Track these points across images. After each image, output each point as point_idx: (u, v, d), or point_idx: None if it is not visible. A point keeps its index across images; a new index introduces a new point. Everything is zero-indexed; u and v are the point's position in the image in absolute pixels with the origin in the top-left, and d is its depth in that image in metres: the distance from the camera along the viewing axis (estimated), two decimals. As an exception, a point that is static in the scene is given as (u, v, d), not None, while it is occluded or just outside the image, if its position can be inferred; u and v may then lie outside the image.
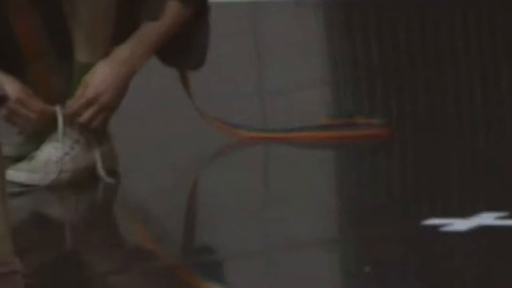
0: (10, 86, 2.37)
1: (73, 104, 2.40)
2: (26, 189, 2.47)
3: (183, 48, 2.62)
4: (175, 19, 2.55)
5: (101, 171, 2.38)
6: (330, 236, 2.44)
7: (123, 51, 2.45)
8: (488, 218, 2.25)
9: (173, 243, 2.50)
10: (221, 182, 2.79)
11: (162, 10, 2.51)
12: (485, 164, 3.11)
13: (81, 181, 2.51)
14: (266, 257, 2.38)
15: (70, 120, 2.40)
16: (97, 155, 2.40)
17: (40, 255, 2.43)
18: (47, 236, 2.60)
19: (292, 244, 2.31)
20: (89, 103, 2.39)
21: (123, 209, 2.72)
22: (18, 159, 2.46)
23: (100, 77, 2.40)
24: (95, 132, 2.41)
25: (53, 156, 2.41)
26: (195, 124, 3.01)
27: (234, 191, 2.73)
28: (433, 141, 3.19)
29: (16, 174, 2.40)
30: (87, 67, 2.39)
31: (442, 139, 3.27)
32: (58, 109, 2.41)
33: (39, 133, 2.47)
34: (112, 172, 2.52)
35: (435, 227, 2.14)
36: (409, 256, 2.06)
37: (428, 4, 6.29)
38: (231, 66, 4.04)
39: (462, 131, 3.69)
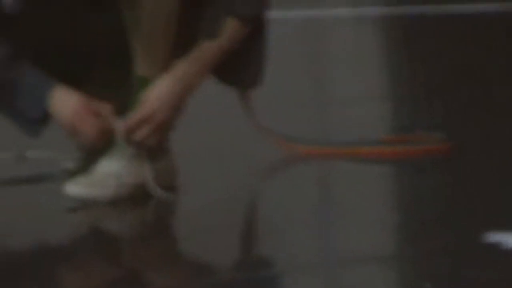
0: (68, 100, 2.44)
1: (129, 120, 2.41)
2: (84, 203, 2.52)
3: (240, 66, 2.61)
4: (233, 37, 2.52)
5: (152, 187, 2.34)
6: (390, 251, 2.36)
7: (180, 68, 2.44)
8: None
9: (232, 257, 2.45)
10: (279, 196, 2.78)
11: (220, 28, 2.49)
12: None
13: (139, 195, 2.50)
14: (325, 272, 2.34)
15: (126, 136, 2.43)
16: (147, 171, 2.37)
17: (98, 270, 2.53)
18: (104, 252, 2.68)
19: (352, 258, 2.26)
20: (144, 121, 2.41)
21: (180, 224, 2.66)
22: (76, 173, 2.47)
23: (156, 94, 2.42)
24: (149, 149, 2.42)
25: (111, 171, 2.41)
26: (253, 138, 3.08)
27: (292, 204, 2.69)
28: (493, 156, 3.13)
29: (75, 188, 2.34)
30: (146, 81, 2.41)
31: (503, 154, 3.19)
32: (116, 124, 2.47)
33: (98, 147, 2.50)
34: (170, 187, 2.47)
35: (495, 243, 2.06)
36: (468, 272, 2.04)
37: (489, 19, 6.58)
38: (290, 80, 4.03)
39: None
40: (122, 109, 2.44)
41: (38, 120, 2.41)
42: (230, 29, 2.47)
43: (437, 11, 7.15)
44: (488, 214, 2.42)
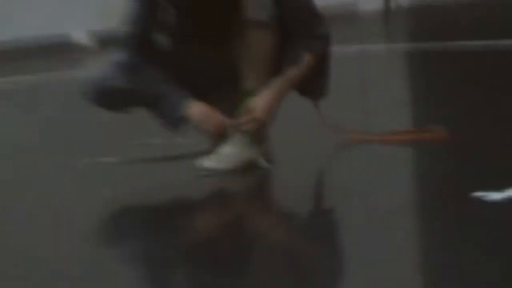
0: (198, 107, 3.48)
1: (241, 118, 3.42)
2: (214, 172, 3.50)
3: (312, 83, 3.57)
4: (308, 65, 3.46)
5: (262, 162, 3.40)
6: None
7: (275, 85, 3.42)
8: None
9: (311, 207, 3.47)
10: (345, 167, 3.87)
11: (301, 59, 3.46)
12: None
13: (249, 168, 3.47)
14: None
15: (239, 129, 3.45)
16: (256, 152, 3.42)
17: (222, 217, 3.41)
18: (226, 204, 3.62)
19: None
20: (252, 120, 3.42)
21: (278, 187, 3.76)
22: (208, 153, 3.48)
23: (260, 101, 3.40)
24: (256, 137, 3.45)
25: (230, 152, 3.45)
26: (322, 132, 3.96)
27: (358, 172, 3.75)
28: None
29: (208, 163, 3.43)
30: (252, 92, 3.41)
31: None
32: (230, 121, 3.47)
33: (221, 137, 3.48)
34: (269, 162, 3.53)
35: (478, 198, 2.96)
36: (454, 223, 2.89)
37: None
38: (336, 106, 4.67)
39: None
40: (231, 112, 3.48)
41: (178, 121, 3.51)
42: (307, 60, 3.44)
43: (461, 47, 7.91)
44: (475, 177, 3.38)
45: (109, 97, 3.73)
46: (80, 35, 10.20)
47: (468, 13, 10.48)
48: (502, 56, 7.51)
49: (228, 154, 3.55)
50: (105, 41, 9.38)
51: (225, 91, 3.68)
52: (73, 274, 2.67)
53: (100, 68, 4.40)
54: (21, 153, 5.05)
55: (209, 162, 3.53)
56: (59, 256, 2.91)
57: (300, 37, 3.60)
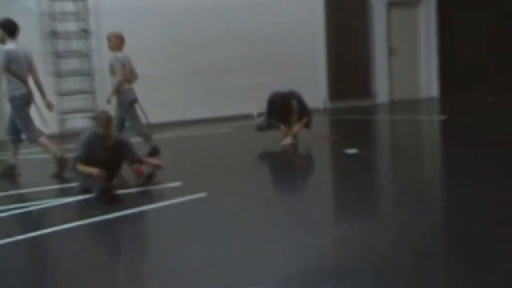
0: (283, 127, 11.94)
1: (292, 133, 11.85)
2: (285, 145, 11.52)
3: (307, 125, 12.06)
4: (306, 121, 12.10)
5: (295, 143, 12.28)
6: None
7: (298, 124, 11.98)
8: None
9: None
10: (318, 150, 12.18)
11: (305, 120, 11.96)
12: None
13: (292, 144, 11.73)
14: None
15: (292, 134, 11.81)
16: (293, 141, 12.00)
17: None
18: (284, 163, 11.30)
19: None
20: (295, 133, 11.89)
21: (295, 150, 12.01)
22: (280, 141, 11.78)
23: (295, 128, 11.89)
24: (296, 138, 11.77)
25: (289, 139, 11.83)
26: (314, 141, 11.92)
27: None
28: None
29: (284, 141, 11.63)
30: (292, 125, 11.91)
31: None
32: (289, 132, 11.82)
33: (285, 135, 11.81)
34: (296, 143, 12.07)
35: (346, 152, 11.24)
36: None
37: None
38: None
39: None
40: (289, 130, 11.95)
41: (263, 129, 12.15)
42: (306, 119, 12.18)
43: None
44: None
45: None
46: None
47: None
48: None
49: (288, 140, 11.86)
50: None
51: (289, 124, 12.01)
52: None
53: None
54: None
55: (284, 142, 11.86)
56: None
57: (304, 115, 12.08)
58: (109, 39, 10.86)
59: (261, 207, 7.52)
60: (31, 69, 10.10)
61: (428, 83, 19.28)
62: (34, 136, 10.07)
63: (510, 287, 4.47)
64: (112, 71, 10.63)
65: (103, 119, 8.58)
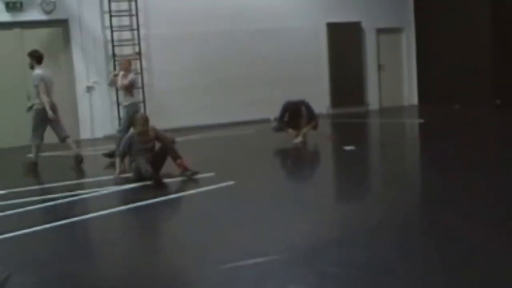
0: (291, 130, 12.12)
1: (301, 133, 12.04)
2: (297, 143, 11.57)
3: (315, 127, 12.20)
4: (313, 123, 12.34)
5: (304, 141, 12.52)
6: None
7: (306, 127, 11.95)
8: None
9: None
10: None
11: (313, 122, 12.14)
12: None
13: (303, 142, 11.68)
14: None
15: (302, 134, 12.15)
16: (303, 139, 12.48)
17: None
18: (310, 155, 11.61)
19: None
20: (302, 133, 12.07)
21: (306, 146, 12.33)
22: (294, 140, 12.11)
23: (304, 130, 11.87)
24: (304, 136, 12.16)
25: (299, 139, 11.73)
26: (321, 140, 12.61)
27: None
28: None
29: (295, 140, 11.67)
30: (302, 128, 12.15)
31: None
32: (299, 133, 12.37)
33: (297, 136, 12.11)
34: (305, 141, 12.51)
35: (345, 149, 11.83)
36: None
37: None
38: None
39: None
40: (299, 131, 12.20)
41: (278, 130, 12.50)
42: (314, 122, 12.23)
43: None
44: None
45: None
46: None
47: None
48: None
49: (298, 140, 11.93)
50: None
51: (299, 127, 12.17)
52: None
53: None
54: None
55: (295, 140, 11.88)
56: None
57: (312, 119, 12.26)
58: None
59: (278, 191, 7.80)
60: (52, 90, 10.42)
61: (410, 93, 19.42)
62: (34, 140, 10.44)
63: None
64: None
65: (140, 119, 8.87)
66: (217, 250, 5.13)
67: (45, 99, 10.11)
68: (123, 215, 6.86)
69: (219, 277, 4.39)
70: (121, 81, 10.74)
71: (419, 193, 7.37)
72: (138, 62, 15.57)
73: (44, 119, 10.25)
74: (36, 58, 10.38)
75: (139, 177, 8.52)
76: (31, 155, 10.44)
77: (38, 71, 10.31)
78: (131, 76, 10.88)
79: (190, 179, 8.52)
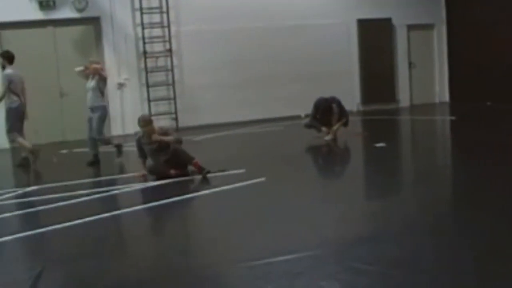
0: (324, 128, 12.23)
1: (331, 130, 11.99)
2: (327, 141, 11.71)
3: (345, 124, 12.07)
4: (344, 121, 12.16)
5: (334, 140, 12.49)
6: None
7: (337, 124, 11.85)
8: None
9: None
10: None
11: (343, 120, 11.97)
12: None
13: (333, 140, 11.91)
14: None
15: (332, 132, 12.02)
16: (334, 137, 12.57)
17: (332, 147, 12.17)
18: (337, 154, 11.54)
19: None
20: (333, 131, 11.96)
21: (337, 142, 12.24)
22: (325, 137, 12.20)
23: (335, 128, 11.82)
24: (334, 134, 12.24)
25: (329, 137, 11.80)
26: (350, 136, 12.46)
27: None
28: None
29: (326, 138, 11.84)
30: (333, 125, 12.10)
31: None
32: (331, 130, 12.24)
33: (328, 134, 11.89)
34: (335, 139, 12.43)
35: (375, 145, 11.76)
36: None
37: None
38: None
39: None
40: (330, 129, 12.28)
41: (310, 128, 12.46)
42: (344, 121, 12.14)
43: None
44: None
45: None
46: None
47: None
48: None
49: (329, 137, 11.93)
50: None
51: (330, 124, 12.07)
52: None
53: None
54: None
55: (326, 138, 11.90)
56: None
57: (343, 116, 12.16)
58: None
59: (309, 188, 7.82)
60: (23, 89, 10.75)
61: (441, 90, 19.28)
62: (12, 136, 10.82)
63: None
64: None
65: (141, 120, 8.87)
66: (248, 246, 5.13)
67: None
68: (152, 211, 6.88)
69: (251, 273, 4.39)
70: (104, 72, 10.63)
71: (451, 190, 7.31)
72: (168, 59, 15.80)
73: (20, 116, 10.71)
74: (8, 58, 10.72)
75: (156, 176, 8.63)
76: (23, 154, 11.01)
77: (8, 71, 10.66)
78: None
79: (221, 175, 8.50)
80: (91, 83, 10.36)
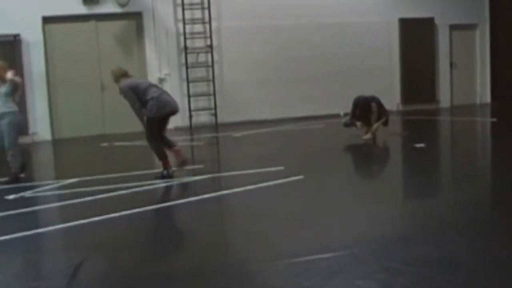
0: (359, 123, 12.14)
1: (371, 129, 11.91)
2: (367, 140, 11.55)
3: (385, 123, 12.44)
4: (384, 120, 12.00)
5: (373, 139, 12.50)
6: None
7: (377, 124, 11.73)
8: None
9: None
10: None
11: (384, 120, 11.96)
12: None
13: (371, 139, 12.33)
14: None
15: (371, 131, 11.79)
16: (373, 137, 12.39)
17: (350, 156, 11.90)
18: (356, 149, 11.59)
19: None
20: (372, 131, 11.82)
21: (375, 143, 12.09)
22: (361, 136, 12.06)
23: (375, 127, 11.74)
24: (373, 134, 11.85)
25: (367, 137, 11.61)
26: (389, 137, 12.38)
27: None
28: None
29: (365, 137, 11.80)
30: (372, 124, 11.80)
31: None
32: (370, 129, 12.46)
33: (366, 132, 12.19)
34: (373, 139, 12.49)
35: (414, 146, 11.73)
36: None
37: None
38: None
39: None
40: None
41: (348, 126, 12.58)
42: (384, 120, 12.02)
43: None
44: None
45: None
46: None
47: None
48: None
49: (368, 136, 11.81)
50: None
51: (370, 123, 11.96)
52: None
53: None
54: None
55: (365, 137, 11.81)
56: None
57: (383, 115, 12.13)
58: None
59: (347, 186, 7.85)
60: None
61: (482, 91, 19.03)
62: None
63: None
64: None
65: None
66: (285, 244, 5.16)
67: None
68: (191, 206, 6.95)
69: (288, 271, 4.43)
70: (10, 75, 9.18)
71: (490, 191, 7.30)
72: (209, 54, 15.88)
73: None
74: None
75: None
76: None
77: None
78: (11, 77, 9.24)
79: (261, 172, 8.53)
80: (3, 89, 9.17)
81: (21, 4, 14.31)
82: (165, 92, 8.82)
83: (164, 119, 8.74)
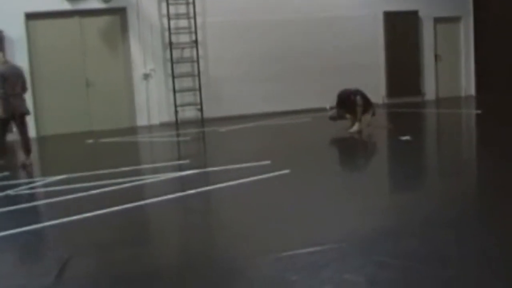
0: (348, 115, 12.45)
1: (360, 122, 11.83)
2: (352, 132, 11.77)
3: (372, 115, 12.75)
4: (371, 111, 12.12)
5: (360, 131, 12.35)
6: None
7: (364, 116, 11.81)
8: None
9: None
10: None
11: (371, 111, 12.08)
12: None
13: (359, 132, 11.73)
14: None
15: (360, 121, 11.80)
16: (359, 129, 12.45)
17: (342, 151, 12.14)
18: (349, 142, 11.48)
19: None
20: (360, 123, 11.81)
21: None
22: (350, 128, 11.82)
23: (364, 118, 11.87)
24: (361, 125, 12.53)
25: (353, 130, 11.72)
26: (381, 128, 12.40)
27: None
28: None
29: (351, 129, 11.67)
30: (361, 116, 11.79)
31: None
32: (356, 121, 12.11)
33: (353, 123, 11.70)
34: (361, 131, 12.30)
35: (400, 139, 11.50)
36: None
37: None
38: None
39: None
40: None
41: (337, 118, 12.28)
42: (372, 111, 12.09)
43: None
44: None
45: None
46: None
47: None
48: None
49: (354, 128, 11.82)
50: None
51: (355, 116, 11.98)
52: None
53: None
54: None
55: (351, 129, 11.81)
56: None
57: (369, 106, 12.11)
58: None
59: (333, 180, 7.83)
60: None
61: (467, 83, 19.14)
62: None
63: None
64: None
65: None
66: (273, 238, 5.15)
67: None
68: (179, 202, 6.92)
69: (275, 265, 4.41)
70: None
71: (476, 184, 7.29)
72: (194, 50, 15.86)
73: None
74: None
75: None
76: None
77: None
78: None
79: (247, 167, 8.49)
80: None
81: (3, 0, 14.18)
82: None
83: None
